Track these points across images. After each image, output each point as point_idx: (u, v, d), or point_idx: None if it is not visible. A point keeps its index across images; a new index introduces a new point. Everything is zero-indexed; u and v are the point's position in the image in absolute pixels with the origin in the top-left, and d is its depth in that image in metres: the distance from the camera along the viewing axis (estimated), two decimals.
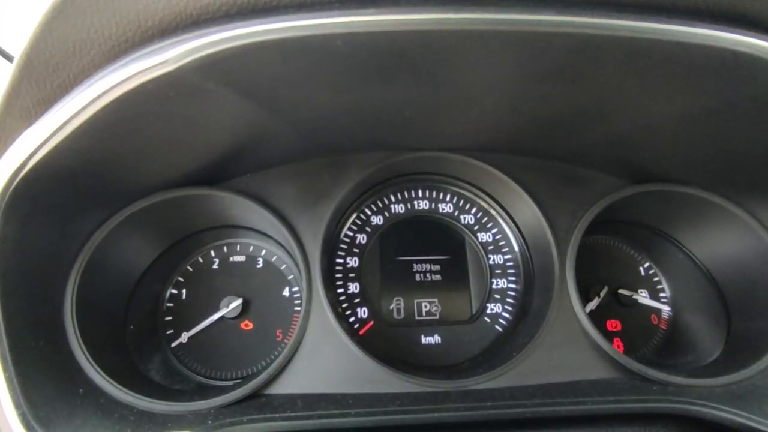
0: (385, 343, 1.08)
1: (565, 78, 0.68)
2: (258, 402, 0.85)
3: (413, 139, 1.06)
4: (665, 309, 1.17)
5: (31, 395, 0.70)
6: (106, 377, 0.81)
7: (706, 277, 1.11)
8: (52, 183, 0.72)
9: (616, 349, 0.93)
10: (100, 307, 0.91)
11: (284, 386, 0.89)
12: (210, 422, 0.76)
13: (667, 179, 1.04)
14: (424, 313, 1.12)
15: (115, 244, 0.91)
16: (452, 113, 0.91)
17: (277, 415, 0.79)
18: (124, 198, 0.91)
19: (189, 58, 0.55)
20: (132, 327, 0.98)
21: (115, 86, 0.58)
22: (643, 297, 1.16)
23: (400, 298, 1.13)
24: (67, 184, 0.75)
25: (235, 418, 0.78)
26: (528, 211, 1.08)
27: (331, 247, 1.12)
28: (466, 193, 1.21)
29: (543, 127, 0.94)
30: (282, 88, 0.69)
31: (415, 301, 1.13)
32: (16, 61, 0.62)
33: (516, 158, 1.10)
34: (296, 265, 1.02)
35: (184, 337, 1.06)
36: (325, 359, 0.91)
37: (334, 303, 1.00)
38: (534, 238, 1.10)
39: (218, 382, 1.02)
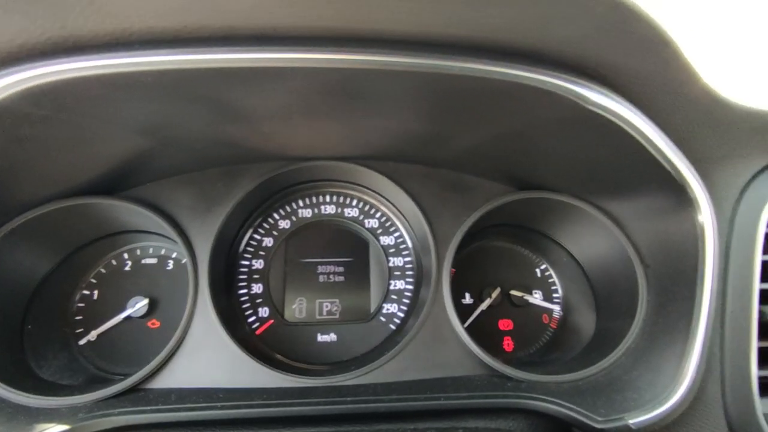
0: (282, 340, 1.14)
1: (430, 107, 0.75)
2: (135, 396, 0.92)
3: (307, 149, 1.13)
4: (556, 309, 1.23)
5: None
6: None
7: (585, 278, 1.17)
8: None
9: (478, 347, 0.99)
10: None
11: (164, 381, 0.96)
12: (81, 415, 0.84)
13: (544, 187, 1.10)
14: (324, 313, 1.19)
15: (10, 250, 0.98)
16: (331, 132, 0.98)
17: (147, 408, 0.86)
18: (21, 207, 0.98)
19: (11, 91, 0.61)
20: (30, 327, 1.05)
21: None
22: (534, 298, 1.22)
23: (303, 299, 1.20)
24: None
25: (106, 411, 0.85)
26: (414, 216, 1.14)
27: (233, 251, 1.18)
28: (371, 199, 1.27)
29: (422, 143, 1.01)
30: (129, 115, 0.76)
31: (317, 301, 1.20)
32: None
33: (407, 166, 1.16)
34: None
35: (93, 335, 1.13)
36: (206, 357, 0.98)
37: (221, 304, 1.06)
38: (421, 242, 1.16)
39: (118, 378, 1.09)
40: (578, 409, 0.85)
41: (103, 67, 0.59)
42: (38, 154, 0.86)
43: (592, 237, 1.09)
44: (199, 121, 0.88)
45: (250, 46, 0.60)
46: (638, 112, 0.69)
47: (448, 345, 1.02)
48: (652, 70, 0.65)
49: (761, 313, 0.88)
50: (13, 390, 0.86)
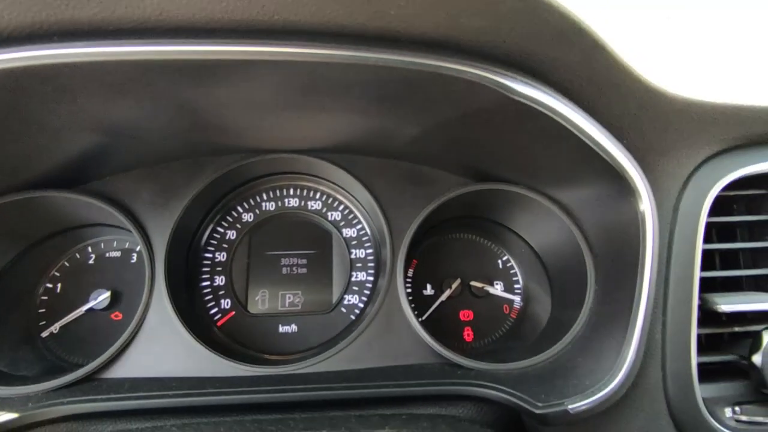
0: (243, 331, 1.16)
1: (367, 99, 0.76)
2: (89, 386, 0.93)
3: (269, 142, 1.14)
4: (516, 299, 1.24)
5: None
6: None
7: (543, 269, 1.18)
8: None
9: (429, 336, 1.00)
10: None
11: (119, 371, 0.97)
12: (31, 404, 0.85)
13: (501, 178, 1.11)
14: (287, 305, 1.20)
15: None
16: (291, 124, 0.99)
17: (98, 397, 0.88)
18: None
19: None
20: None
21: None
22: (494, 289, 1.24)
23: (266, 291, 1.21)
24: None
25: (56, 400, 0.86)
26: (372, 208, 1.15)
27: (195, 244, 1.20)
28: (334, 192, 1.29)
29: (369, 134, 1.02)
30: (84, 106, 0.77)
31: (280, 293, 1.21)
32: None
33: (365, 159, 1.17)
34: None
35: (56, 327, 1.14)
36: (161, 347, 1.00)
37: (179, 296, 1.07)
38: (379, 234, 1.17)
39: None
40: (520, 395, 0.86)
41: (69, 56, 0.60)
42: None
43: (546, 227, 1.11)
44: (160, 114, 0.89)
45: (211, 39, 0.61)
46: (567, 102, 0.71)
47: (401, 334, 1.04)
48: (575, 61, 0.66)
49: (701, 301, 0.90)
50: None
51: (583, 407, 0.81)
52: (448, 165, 1.15)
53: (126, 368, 0.98)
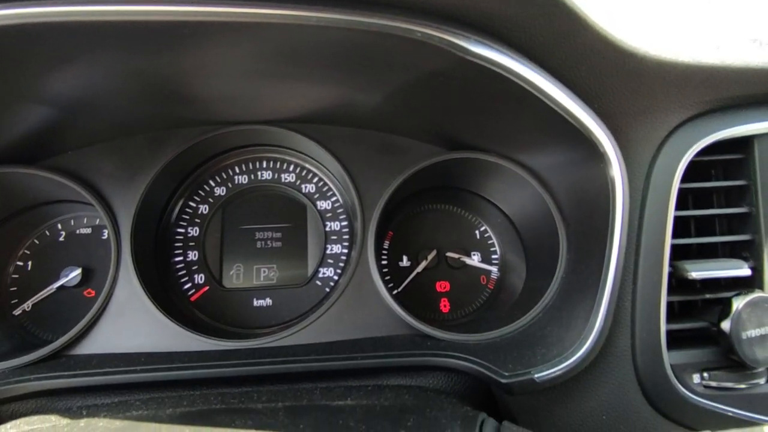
0: (217, 307, 1.15)
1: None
2: (56, 363, 0.93)
3: (231, 114, 1.10)
4: (494, 270, 1.23)
5: None
6: None
7: (519, 238, 1.17)
8: None
9: (399, 307, 0.99)
10: None
11: (86, 348, 0.97)
12: None
13: (474, 147, 1.08)
14: (262, 278, 1.19)
15: None
16: (247, 95, 0.96)
17: (65, 373, 0.87)
18: None
19: None
20: None
21: None
22: (471, 260, 1.23)
23: (240, 265, 1.20)
24: None
25: (23, 377, 0.86)
26: (343, 179, 1.13)
27: (165, 218, 1.18)
28: (307, 165, 1.26)
29: (336, 102, 0.99)
30: (57, 70, 0.73)
31: (255, 267, 1.20)
32: None
33: (336, 129, 1.14)
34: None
35: (28, 305, 1.13)
36: (129, 322, 0.99)
37: (148, 271, 1.06)
38: (351, 206, 1.15)
39: None
40: (487, 365, 0.86)
41: (38, 15, 0.57)
42: None
43: (519, 195, 1.09)
44: (117, 83, 0.86)
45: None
46: (528, 63, 0.67)
47: (373, 306, 1.03)
48: (534, 19, 0.62)
49: (673, 268, 0.89)
50: None
51: (549, 376, 0.81)
52: (419, 134, 1.12)
53: (94, 344, 0.97)
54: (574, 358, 0.82)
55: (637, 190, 0.89)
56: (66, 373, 0.87)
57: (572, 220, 0.97)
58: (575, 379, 0.85)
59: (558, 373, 0.81)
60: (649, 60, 0.80)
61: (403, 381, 0.92)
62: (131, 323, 0.99)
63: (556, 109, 0.74)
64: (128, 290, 1.00)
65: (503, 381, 0.83)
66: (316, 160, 1.23)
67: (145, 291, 0.99)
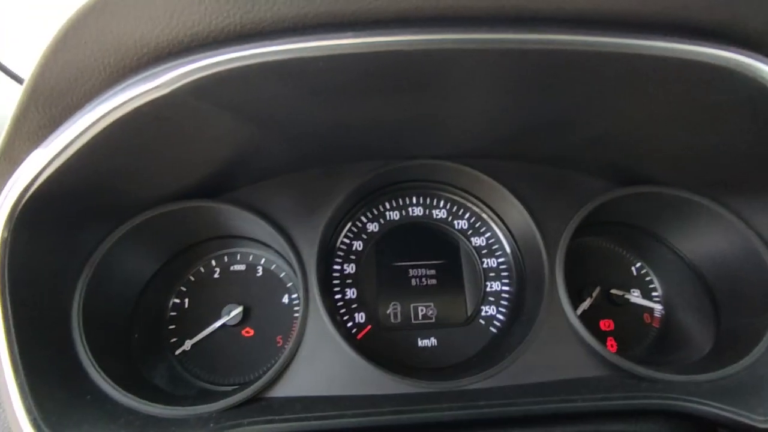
0: (382, 346, 1.11)
1: (535, 89, 0.72)
2: (258, 405, 0.88)
3: (406, 148, 1.10)
4: (657, 308, 1.19)
5: (41, 401, 0.73)
6: (112, 384, 0.85)
7: (696, 276, 1.13)
8: (58, 200, 0.76)
9: (606, 347, 0.95)
10: (106, 316, 0.95)
11: (283, 390, 0.92)
12: (212, 425, 0.80)
13: (653, 181, 1.07)
14: (420, 317, 1.15)
15: (119, 256, 0.95)
16: (438, 124, 0.95)
17: (276, 417, 0.82)
18: (127, 212, 0.95)
19: (181, 82, 0.59)
20: (137, 335, 1.01)
21: (114, 109, 0.62)
22: (635, 296, 1.19)
23: (397, 303, 1.16)
24: (72, 200, 0.80)
25: (236, 421, 0.81)
26: (518, 215, 1.11)
27: (327, 254, 1.15)
28: (459, 199, 1.24)
29: (525, 134, 0.98)
30: (273, 106, 0.73)
31: (412, 305, 1.16)
32: (23, 87, 0.66)
33: (507, 164, 1.13)
34: (294, 272, 1.05)
35: (188, 344, 1.09)
36: (323, 363, 0.94)
37: (332, 308, 1.03)
38: (525, 242, 1.13)
39: (221, 388, 1.05)
40: (732, 408, 0.80)
41: (285, 52, 0.57)
42: (157, 155, 0.84)
43: (710, 233, 1.06)
44: (350, 120, 0.85)
45: (432, 27, 0.57)
46: None
47: (568, 346, 0.98)
48: None
49: None
50: (142, 401, 0.82)
51: None
52: (592, 168, 1.11)
53: (290, 387, 0.92)
54: None
55: None
56: (278, 417, 0.82)
57: None
58: None
59: None
60: None
61: (623, 426, 0.86)
62: (324, 364, 0.95)
63: None
64: (317, 329, 0.96)
65: (760, 426, 0.77)
66: (472, 195, 1.22)
67: (337, 330, 0.96)
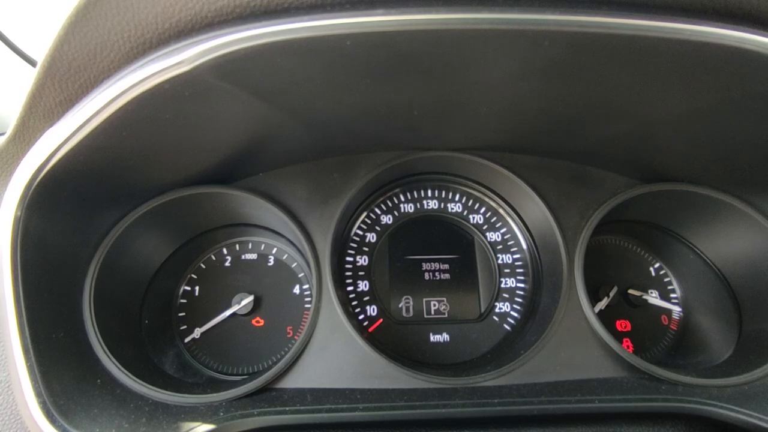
0: (393, 340, 1.09)
1: (570, 75, 0.69)
2: (268, 395, 0.86)
3: (423, 140, 1.08)
4: (676, 309, 1.16)
5: (51, 385, 0.72)
6: (123, 369, 0.84)
7: (718, 278, 1.10)
8: (73, 180, 0.75)
9: (624, 348, 0.93)
10: (117, 301, 0.94)
11: (294, 381, 0.90)
12: (222, 414, 0.78)
13: (677, 178, 1.04)
14: (432, 312, 1.13)
15: (131, 240, 0.94)
16: (461, 112, 0.92)
17: (287, 408, 0.81)
18: (141, 195, 0.94)
19: (203, 59, 0.57)
20: (147, 321, 1.00)
21: (133, 86, 0.60)
22: (653, 297, 1.16)
23: (409, 297, 1.14)
24: (87, 181, 0.78)
25: (246, 411, 0.79)
26: (537, 210, 1.08)
27: (341, 245, 1.13)
28: (475, 193, 1.22)
29: (550, 126, 0.95)
30: (294, 88, 0.71)
31: (424, 299, 1.14)
32: (40, 62, 0.64)
33: (525, 158, 1.11)
34: (307, 263, 1.04)
35: (197, 332, 1.08)
36: (334, 355, 0.93)
37: (344, 300, 1.02)
38: (542, 238, 1.10)
39: (229, 377, 1.04)
40: (756, 414, 0.78)
41: (312, 29, 0.54)
42: (173, 137, 0.82)
43: (734, 234, 1.03)
44: (360, 102, 0.82)
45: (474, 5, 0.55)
46: None
47: (585, 346, 0.96)
48: None
49: None
50: (152, 387, 0.81)
51: None
52: (615, 164, 1.08)
53: (300, 378, 0.91)
54: None
55: None
56: (288, 408, 0.81)
57: None
58: None
59: None
60: None
61: (640, 429, 0.84)
62: (335, 355, 0.93)
63: None
64: (330, 321, 0.95)
65: None
66: (490, 189, 1.19)
67: (349, 323, 0.94)
